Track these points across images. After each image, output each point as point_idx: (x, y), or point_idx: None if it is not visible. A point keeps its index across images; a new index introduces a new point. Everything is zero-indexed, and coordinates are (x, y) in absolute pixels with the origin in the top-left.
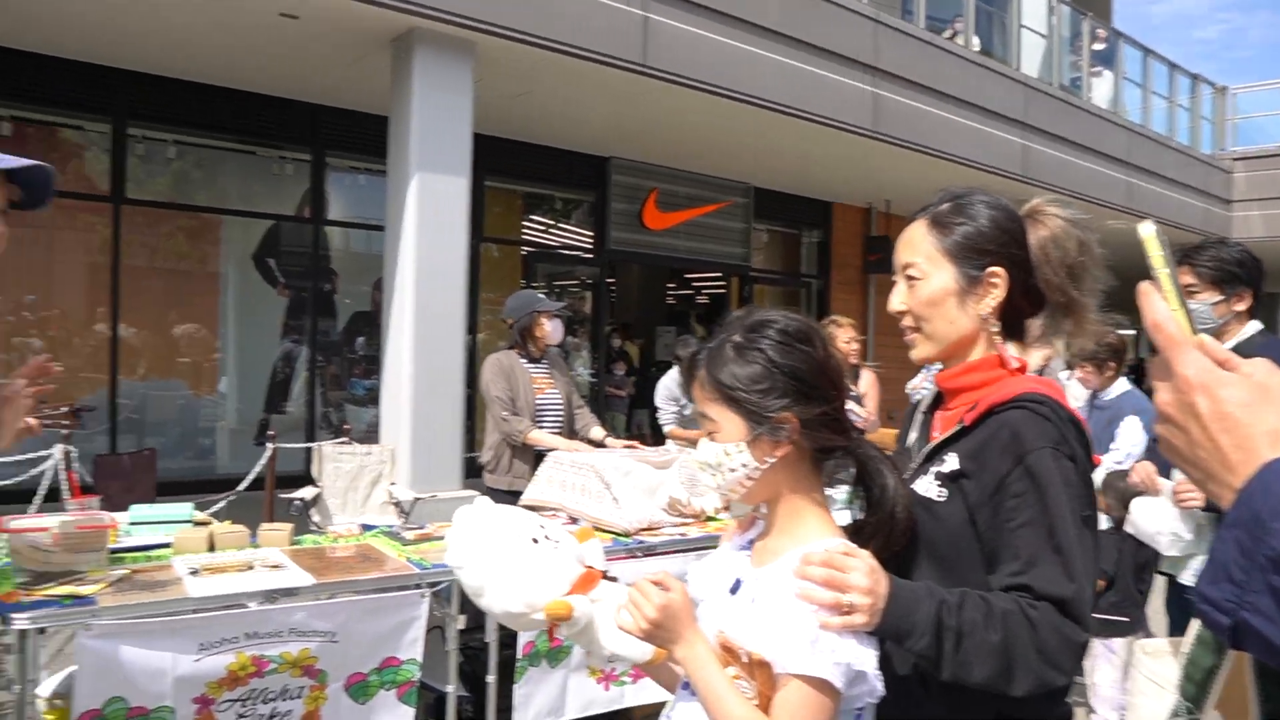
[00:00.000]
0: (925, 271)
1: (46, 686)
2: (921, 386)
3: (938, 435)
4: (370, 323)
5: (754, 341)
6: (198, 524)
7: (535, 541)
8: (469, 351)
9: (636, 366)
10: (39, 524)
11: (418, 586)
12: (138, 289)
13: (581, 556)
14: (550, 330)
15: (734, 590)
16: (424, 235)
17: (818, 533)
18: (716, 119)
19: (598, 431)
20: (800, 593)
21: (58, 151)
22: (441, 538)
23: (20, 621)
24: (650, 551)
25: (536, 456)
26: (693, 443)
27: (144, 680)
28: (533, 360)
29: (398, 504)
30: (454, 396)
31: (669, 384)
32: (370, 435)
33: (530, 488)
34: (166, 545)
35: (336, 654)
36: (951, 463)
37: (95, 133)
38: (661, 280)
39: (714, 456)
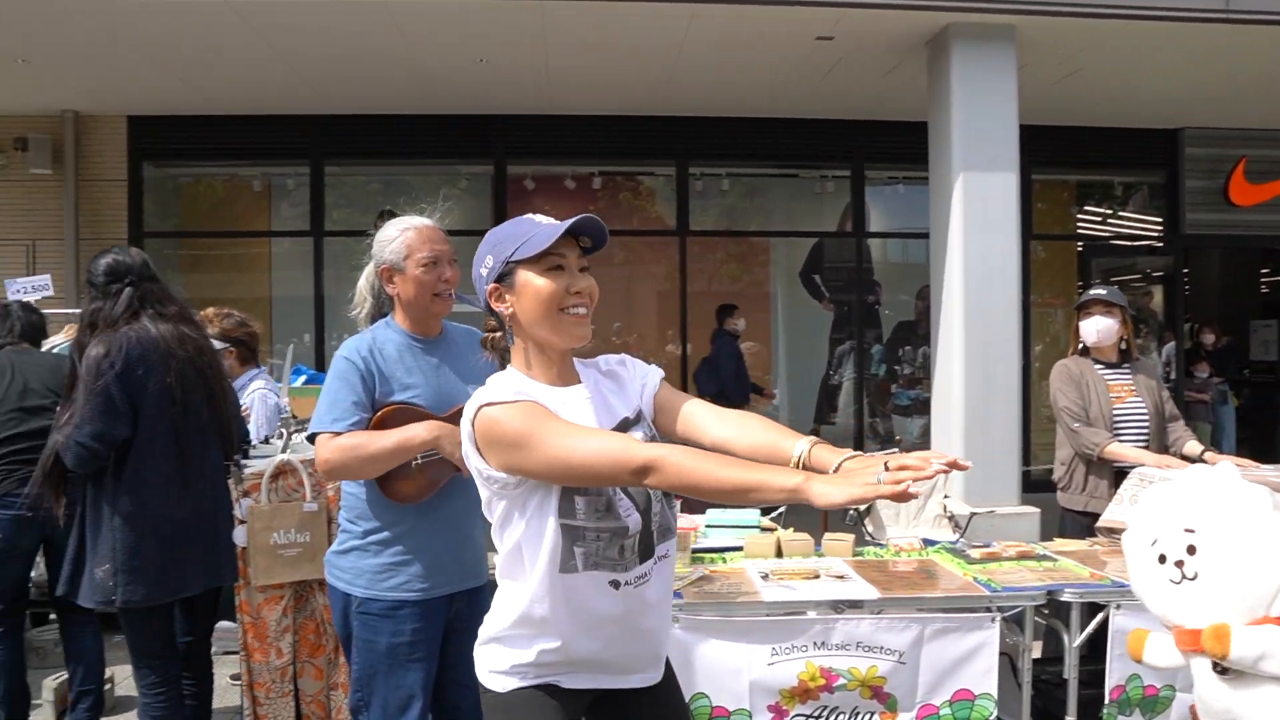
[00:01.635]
0: None
1: None
2: None
3: None
4: (913, 332)
5: None
6: (764, 529)
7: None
8: (1024, 357)
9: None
10: None
11: (987, 610)
12: (701, 311)
13: None
14: (1088, 332)
15: None
16: (971, 237)
17: None
18: None
19: (1193, 446)
20: None
21: (637, 197)
22: (1010, 558)
23: None
24: None
25: (1116, 473)
26: None
27: (723, 678)
28: (1110, 366)
29: (952, 518)
30: (1010, 405)
31: None
32: (918, 446)
33: (1110, 508)
34: (738, 549)
35: (905, 678)
36: None
37: (663, 176)
38: (1252, 265)
39: None
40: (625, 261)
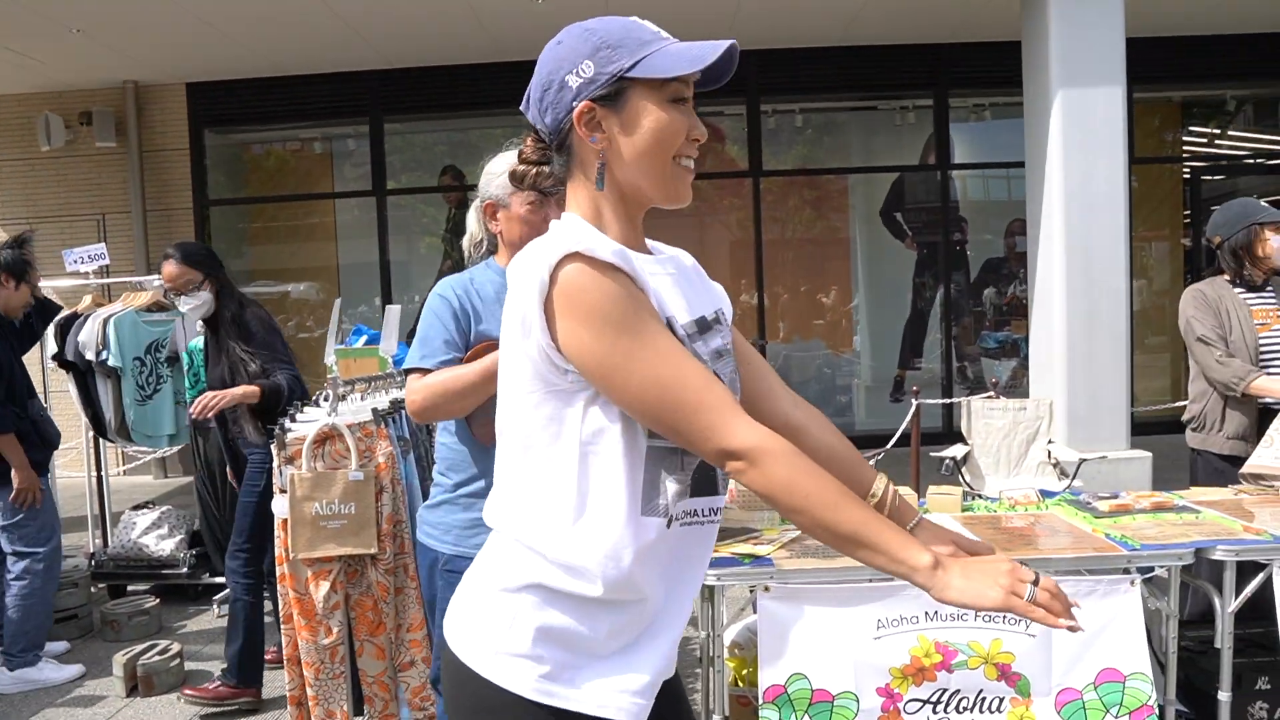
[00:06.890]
0: None
1: (727, 635)
2: None
3: None
4: (999, 271)
5: None
6: None
7: None
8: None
9: None
10: None
11: (1125, 571)
12: (777, 258)
13: None
14: (1277, 247)
15: None
16: (1072, 163)
17: None
18: None
19: None
20: None
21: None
22: (1144, 510)
23: (708, 578)
24: None
25: (1261, 412)
26: None
27: (824, 655)
28: (1252, 289)
29: (1057, 465)
30: (1118, 342)
31: None
32: (1009, 390)
33: (1258, 452)
34: None
35: (1038, 655)
36: None
37: (732, 116)
38: None
39: None
40: (696, 210)
